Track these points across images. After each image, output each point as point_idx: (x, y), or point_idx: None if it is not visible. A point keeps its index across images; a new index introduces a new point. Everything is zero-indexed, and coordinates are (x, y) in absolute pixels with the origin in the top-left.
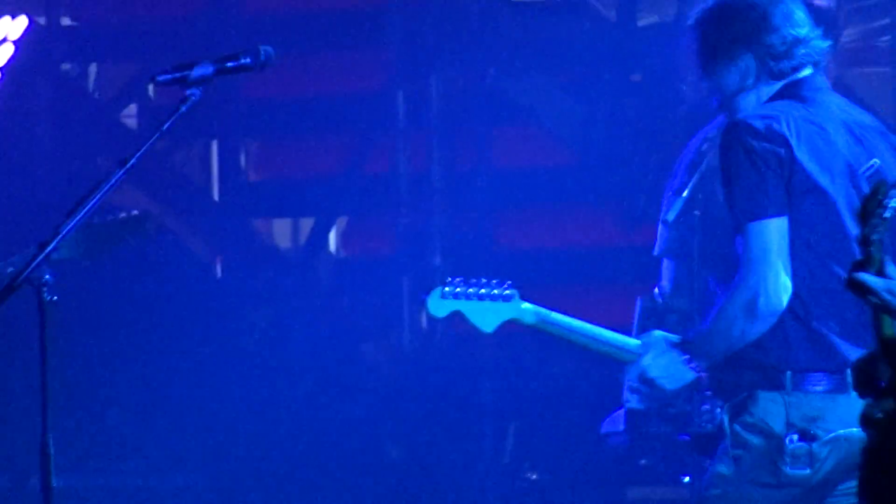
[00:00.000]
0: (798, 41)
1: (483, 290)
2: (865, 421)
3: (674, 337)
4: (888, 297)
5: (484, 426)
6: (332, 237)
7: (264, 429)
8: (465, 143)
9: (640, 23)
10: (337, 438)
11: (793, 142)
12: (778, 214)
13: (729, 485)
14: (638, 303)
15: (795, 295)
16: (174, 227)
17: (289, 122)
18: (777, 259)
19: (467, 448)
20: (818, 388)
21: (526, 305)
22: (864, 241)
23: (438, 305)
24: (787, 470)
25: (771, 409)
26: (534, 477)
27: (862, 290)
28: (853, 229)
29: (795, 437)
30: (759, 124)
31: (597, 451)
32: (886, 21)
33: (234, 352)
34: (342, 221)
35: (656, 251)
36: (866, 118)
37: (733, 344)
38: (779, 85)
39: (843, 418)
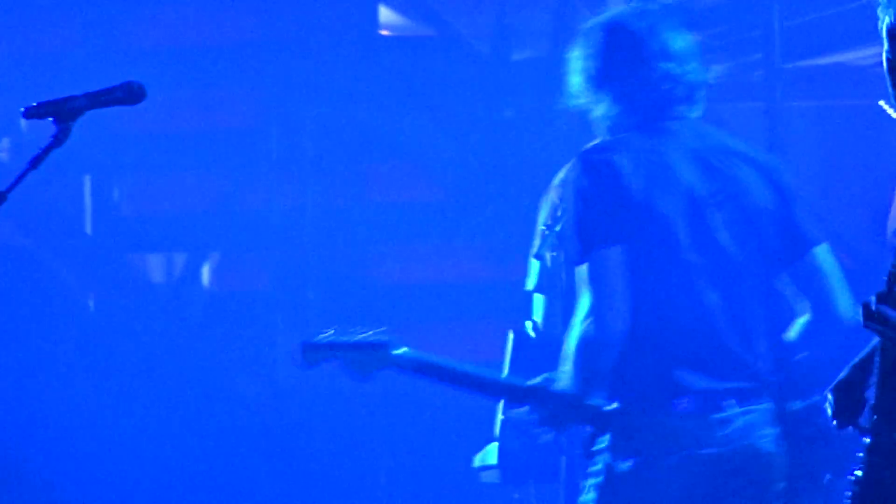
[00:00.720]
0: (668, 76)
1: (357, 339)
2: (873, 448)
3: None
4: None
5: (358, 460)
6: (206, 272)
7: (136, 463)
8: (339, 178)
9: (514, 58)
10: (210, 474)
11: (630, 173)
12: (613, 244)
13: None
14: (510, 336)
15: (634, 323)
16: (47, 261)
17: (163, 157)
18: (615, 290)
19: (341, 482)
20: (672, 412)
21: (402, 352)
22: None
23: (311, 357)
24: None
25: (622, 433)
26: None
27: (879, 321)
28: (694, 258)
29: (648, 460)
30: (596, 158)
31: (471, 486)
32: (759, 56)
33: (106, 386)
34: (215, 256)
35: (528, 286)
36: (732, 145)
37: (586, 376)
38: (634, 114)
39: (699, 440)
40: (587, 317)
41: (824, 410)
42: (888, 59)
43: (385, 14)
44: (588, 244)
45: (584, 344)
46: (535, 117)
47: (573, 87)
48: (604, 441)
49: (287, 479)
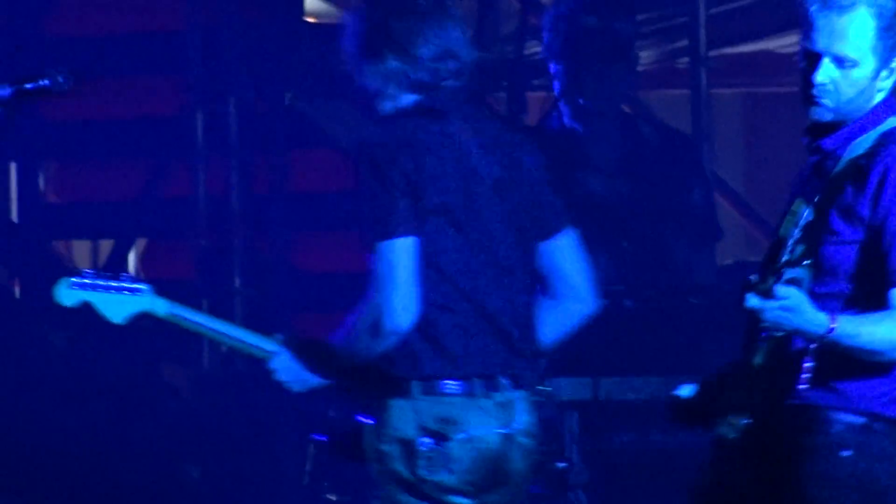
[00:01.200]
0: (447, 54)
1: (114, 283)
2: (719, 441)
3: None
4: (779, 312)
5: (283, 448)
6: (132, 259)
7: (63, 449)
8: (264, 165)
9: None
10: (136, 459)
11: (420, 160)
12: (405, 234)
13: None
14: None
15: (423, 313)
16: None
17: (88, 144)
18: (403, 279)
19: (267, 469)
20: (449, 393)
21: (160, 299)
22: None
23: (67, 295)
24: (424, 474)
25: (400, 415)
26: (333, 498)
27: (753, 310)
28: (482, 245)
29: (427, 440)
30: (389, 141)
31: None
32: (684, 43)
33: (32, 373)
34: (141, 243)
35: None
36: (503, 132)
37: (360, 359)
38: (416, 97)
39: (476, 421)
40: (373, 304)
41: None
42: (804, 55)
43: (310, 2)
44: (385, 230)
45: (371, 327)
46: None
47: (350, 50)
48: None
49: (211, 467)
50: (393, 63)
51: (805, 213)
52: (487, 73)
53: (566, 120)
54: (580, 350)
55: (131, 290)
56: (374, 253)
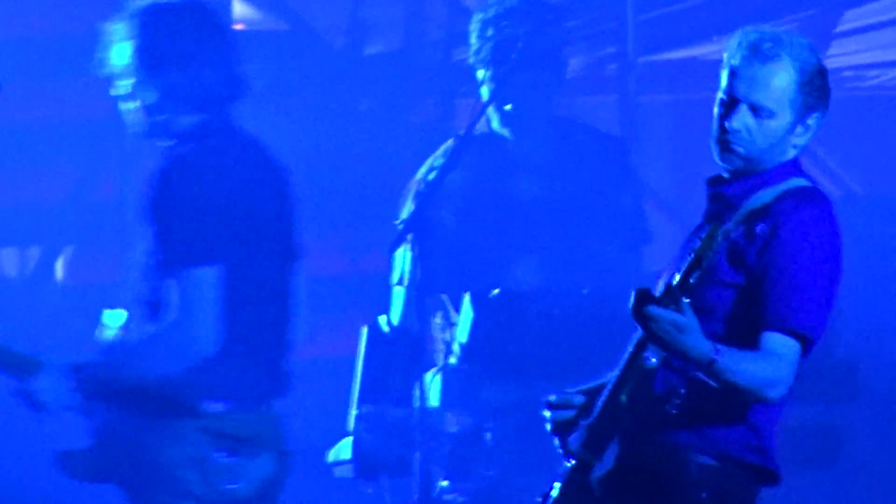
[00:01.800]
0: (228, 77)
1: None
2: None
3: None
4: (669, 328)
5: None
6: (59, 265)
7: None
8: None
9: (367, 52)
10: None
11: (225, 181)
12: (214, 262)
13: None
14: (364, 332)
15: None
16: None
17: (14, 148)
18: (210, 308)
19: None
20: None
21: None
22: (676, 287)
23: None
24: (220, 485)
25: (185, 435)
26: None
27: (645, 318)
28: (279, 270)
29: (223, 453)
30: (195, 162)
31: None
32: (612, 49)
33: None
34: (69, 249)
35: (392, 279)
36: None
37: (140, 377)
38: (200, 116)
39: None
40: (174, 326)
41: None
42: (721, 103)
43: (239, 8)
44: (195, 256)
45: (166, 352)
46: (388, 111)
47: (133, 62)
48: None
49: None
50: (172, 77)
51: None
52: (416, 79)
53: (494, 125)
54: (510, 355)
55: None
56: (180, 278)
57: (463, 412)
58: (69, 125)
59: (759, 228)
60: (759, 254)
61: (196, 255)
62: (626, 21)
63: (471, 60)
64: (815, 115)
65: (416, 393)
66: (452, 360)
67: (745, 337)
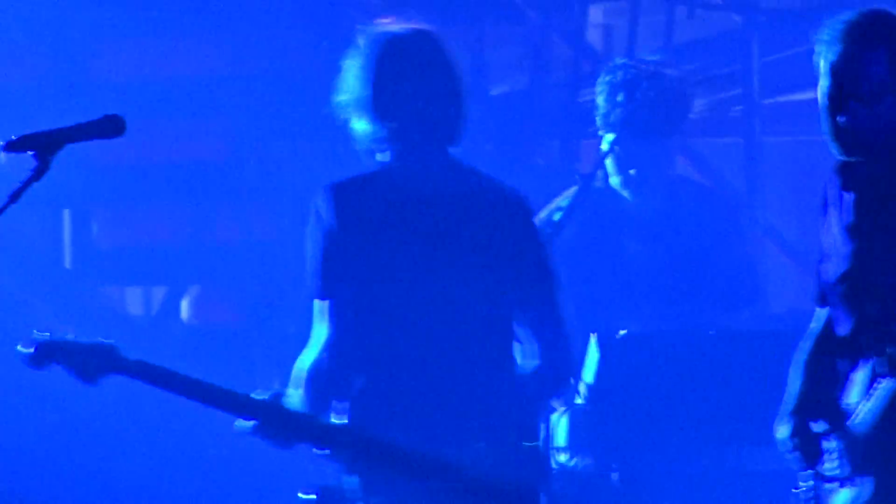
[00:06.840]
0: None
1: (86, 340)
2: None
3: None
4: None
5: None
6: (185, 305)
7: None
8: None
9: (493, 92)
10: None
11: (372, 212)
12: (351, 286)
13: None
14: None
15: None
16: (25, 295)
17: (140, 189)
18: (347, 329)
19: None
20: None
21: (127, 357)
22: None
23: (41, 358)
24: None
25: None
26: None
27: None
28: (420, 297)
29: None
30: (332, 198)
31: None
32: (737, 91)
33: (84, 421)
34: (194, 289)
35: None
36: (477, 193)
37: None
38: (386, 155)
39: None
40: (325, 348)
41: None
42: (827, 95)
43: None
44: (329, 282)
45: (317, 372)
46: (513, 152)
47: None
48: None
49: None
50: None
51: None
52: (541, 120)
53: (613, 183)
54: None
55: (102, 348)
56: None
57: (589, 453)
58: (194, 165)
59: None
60: None
61: (335, 278)
62: (751, 62)
63: (598, 122)
64: None
65: (542, 434)
66: (579, 400)
67: None
